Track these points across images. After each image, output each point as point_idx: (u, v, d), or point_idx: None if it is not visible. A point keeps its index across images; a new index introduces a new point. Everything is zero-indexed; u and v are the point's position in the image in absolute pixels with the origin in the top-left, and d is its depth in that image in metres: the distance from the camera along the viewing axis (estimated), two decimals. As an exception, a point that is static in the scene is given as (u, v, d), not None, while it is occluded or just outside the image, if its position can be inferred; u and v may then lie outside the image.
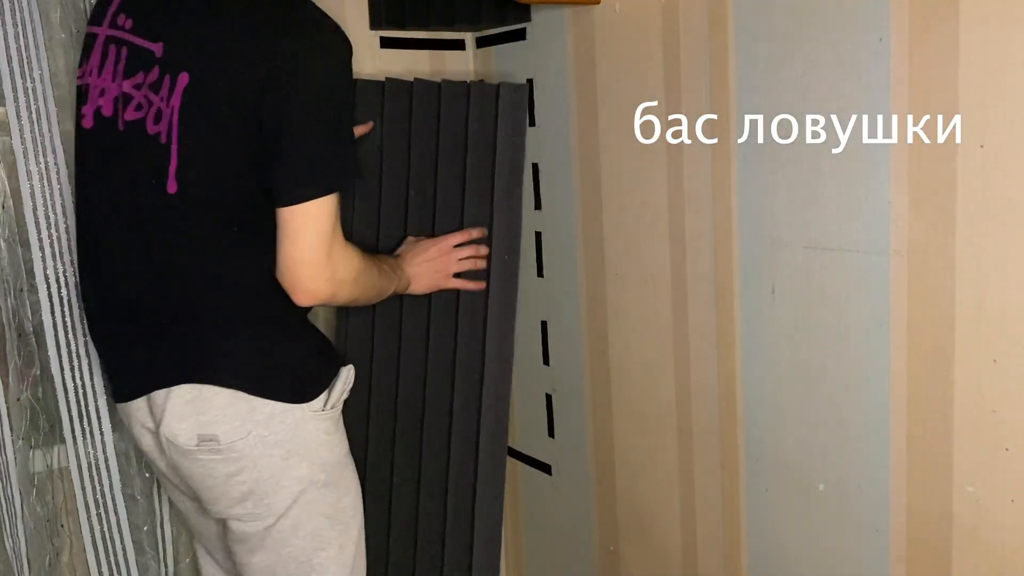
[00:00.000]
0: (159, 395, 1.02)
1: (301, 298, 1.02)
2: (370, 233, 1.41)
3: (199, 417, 1.00)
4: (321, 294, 1.01)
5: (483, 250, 1.28)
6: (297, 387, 1.03)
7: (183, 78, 0.96)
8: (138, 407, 1.07)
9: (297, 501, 1.05)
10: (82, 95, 1.06)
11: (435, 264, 1.26)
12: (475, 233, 1.28)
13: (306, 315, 1.10)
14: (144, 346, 1.05)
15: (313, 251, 0.99)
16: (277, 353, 1.04)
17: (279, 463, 1.03)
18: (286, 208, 0.98)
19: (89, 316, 1.14)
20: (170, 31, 0.99)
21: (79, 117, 1.06)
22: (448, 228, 1.33)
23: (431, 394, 1.36)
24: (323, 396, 1.06)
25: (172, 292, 1.02)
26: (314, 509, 1.07)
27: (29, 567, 1.30)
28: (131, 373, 1.07)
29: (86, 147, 1.08)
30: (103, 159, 1.04)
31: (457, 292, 1.31)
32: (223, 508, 1.06)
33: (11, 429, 1.27)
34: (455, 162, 1.33)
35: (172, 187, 0.96)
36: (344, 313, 1.45)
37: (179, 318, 1.02)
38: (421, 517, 1.38)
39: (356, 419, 1.40)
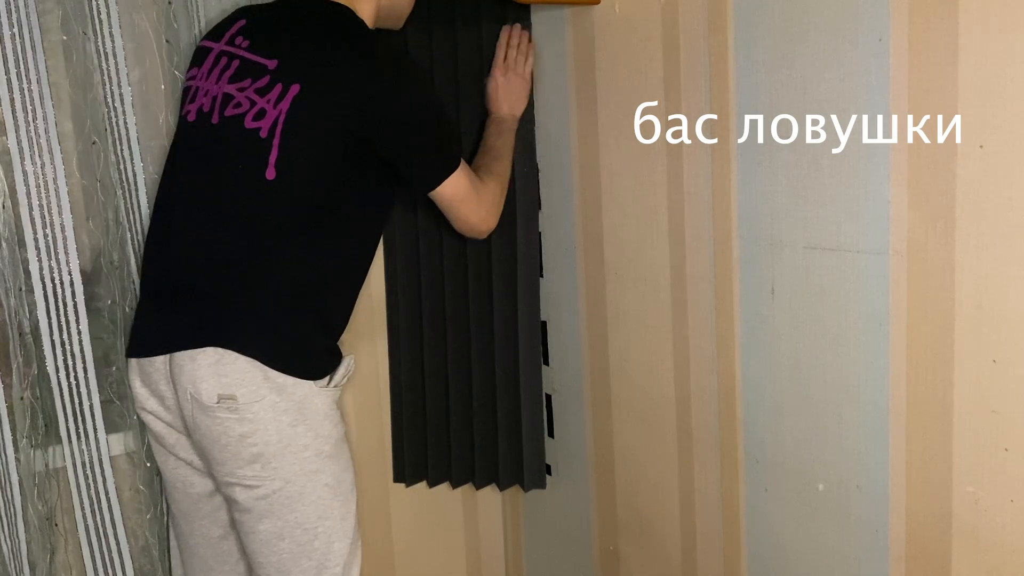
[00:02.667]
0: (183, 355, 1.11)
1: (485, 235, 1.31)
2: None
3: (220, 379, 1.09)
4: (493, 227, 1.30)
5: (523, 36, 1.43)
6: (306, 366, 1.14)
7: (295, 88, 1.11)
8: (157, 367, 1.15)
9: (303, 468, 1.13)
10: (188, 95, 1.21)
11: (513, 82, 1.42)
12: (509, 37, 1.43)
13: (340, 314, 1.22)
14: (180, 310, 1.15)
15: (470, 216, 1.26)
16: (297, 338, 1.14)
17: (287, 430, 1.11)
18: (429, 192, 1.21)
19: (143, 289, 1.24)
20: (285, 51, 1.14)
21: (184, 113, 1.20)
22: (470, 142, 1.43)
23: (472, 300, 1.52)
24: (327, 378, 1.16)
25: (232, 269, 1.13)
26: (318, 478, 1.14)
27: (30, 567, 1.30)
28: (159, 332, 1.16)
29: (183, 139, 1.20)
30: (195, 148, 1.18)
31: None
32: (232, 469, 1.12)
33: (12, 428, 1.27)
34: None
35: (271, 174, 1.10)
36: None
37: (226, 292, 1.13)
38: (475, 393, 1.54)
39: (409, 330, 1.57)
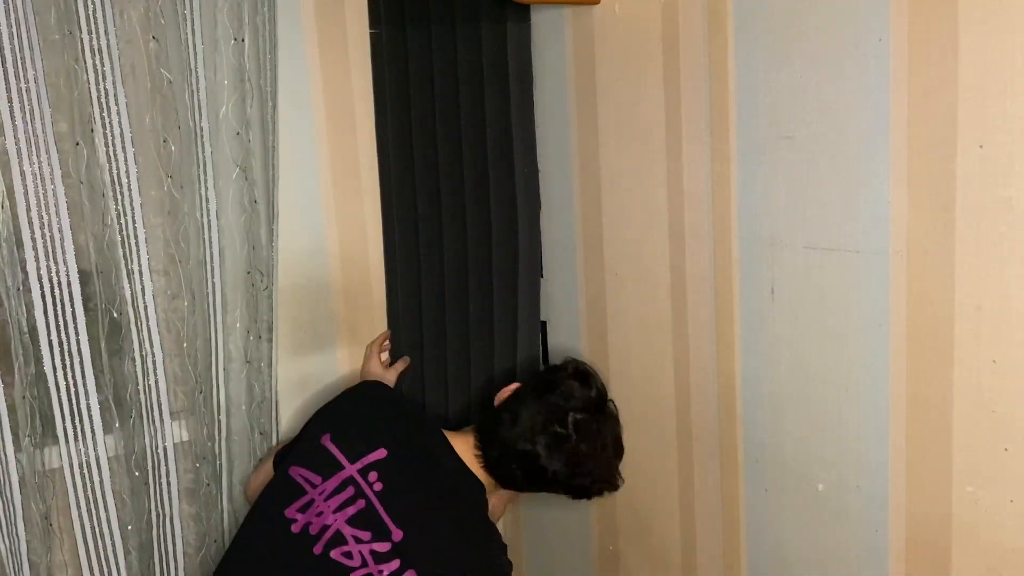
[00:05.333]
0: None
1: None
2: (406, 151, 1.54)
3: None
4: None
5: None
6: None
7: (411, 574, 1.11)
8: None
9: None
10: (297, 496, 1.16)
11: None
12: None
13: None
14: None
15: None
16: None
17: None
18: None
19: None
20: (415, 525, 1.14)
21: (286, 516, 1.15)
22: (473, 137, 1.46)
23: (473, 301, 1.52)
24: None
25: None
26: None
27: (30, 567, 1.30)
28: None
29: (276, 539, 1.16)
30: (287, 563, 1.14)
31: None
32: None
33: (12, 428, 1.27)
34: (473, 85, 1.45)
35: None
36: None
37: None
38: (475, 394, 1.54)
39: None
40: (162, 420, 1.40)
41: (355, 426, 1.24)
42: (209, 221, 1.39)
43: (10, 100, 1.22)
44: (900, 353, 0.99)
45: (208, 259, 1.39)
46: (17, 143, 1.23)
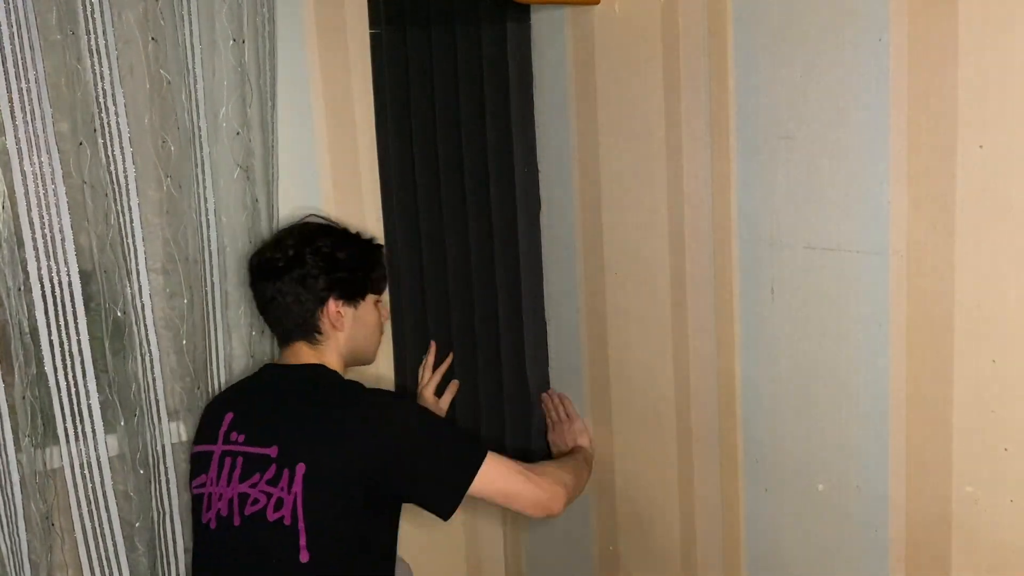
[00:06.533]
0: None
1: (559, 512, 1.28)
2: (406, 151, 1.55)
3: None
4: (562, 503, 1.28)
5: (565, 400, 1.52)
6: None
7: (301, 467, 1.16)
8: None
9: None
10: (203, 503, 1.25)
11: (572, 430, 1.49)
12: (556, 400, 1.52)
13: None
14: None
15: (531, 496, 1.24)
16: None
17: None
18: (469, 492, 1.21)
19: None
20: (281, 436, 1.20)
21: (203, 523, 1.25)
22: (473, 135, 1.47)
23: (477, 301, 1.52)
24: None
25: None
26: None
27: (31, 566, 1.30)
28: None
29: (206, 547, 1.26)
30: (223, 554, 1.23)
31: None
32: None
33: (13, 427, 1.27)
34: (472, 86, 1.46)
35: (304, 557, 1.15)
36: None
37: None
38: (481, 393, 1.55)
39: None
40: (160, 418, 1.40)
41: (205, 421, 1.32)
42: (208, 220, 1.39)
43: (11, 100, 1.22)
44: (900, 353, 0.99)
45: (207, 258, 1.40)
46: (18, 143, 1.23)
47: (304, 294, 1.27)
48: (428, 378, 1.58)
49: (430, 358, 1.60)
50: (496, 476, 1.21)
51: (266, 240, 1.37)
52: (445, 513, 1.20)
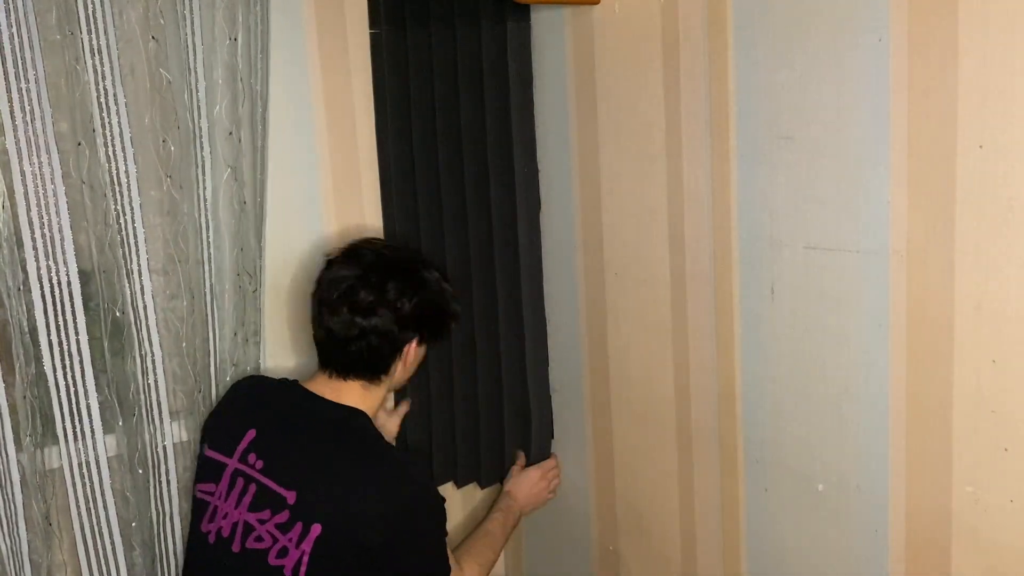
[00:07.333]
0: None
1: None
2: (406, 151, 1.54)
3: None
4: None
5: (558, 468, 1.53)
6: None
7: (316, 528, 1.14)
8: None
9: None
10: (206, 511, 1.22)
11: (540, 485, 1.51)
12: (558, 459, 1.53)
13: None
14: None
15: None
16: None
17: None
18: None
19: None
20: (303, 481, 1.16)
21: (202, 532, 1.22)
22: (474, 138, 1.46)
23: (476, 301, 1.51)
24: None
25: None
26: None
27: (31, 566, 1.30)
28: None
29: (201, 557, 1.24)
30: (217, 571, 1.21)
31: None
32: None
33: (14, 427, 1.27)
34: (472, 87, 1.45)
35: None
36: None
37: None
38: (481, 393, 1.54)
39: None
40: (161, 419, 1.40)
41: (223, 424, 1.28)
42: (207, 221, 1.39)
43: (11, 100, 1.22)
44: (900, 353, 0.99)
45: (206, 259, 1.39)
46: (17, 143, 1.23)
47: (394, 338, 1.21)
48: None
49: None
50: None
51: (340, 264, 1.24)
52: None
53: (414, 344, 1.25)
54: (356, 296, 1.19)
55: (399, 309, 1.20)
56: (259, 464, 1.20)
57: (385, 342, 1.21)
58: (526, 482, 1.50)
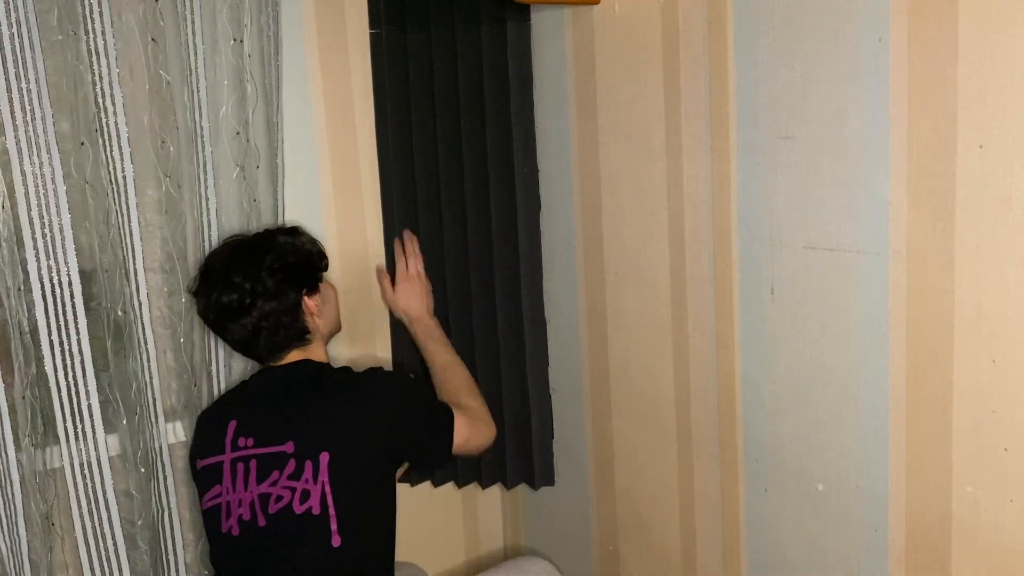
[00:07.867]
0: None
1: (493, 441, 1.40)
2: (406, 151, 1.55)
3: None
4: (495, 431, 1.40)
5: (412, 241, 1.54)
6: None
7: (324, 456, 1.19)
8: None
9: None
10: (219, 513, 1.25)
11: (416, 287, 1.52)
12: (405, 243, 1.54)
13: None
14: None
15: (482, 439, 1.36)
16: None
17: None
18: (453, 450, 1.32)
19: None
20: (294, 431, 1.22)
21: (223, 533, 1.24)
22: (474, 137, 1.47)
23: (475, 301, 1.54)
24: None
25: None
26: None
27: (31, 566, 1.30)
28: None
29: (231, 552, 1.25)
30: (250, 556, 1.23)
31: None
32: None
33: (13, 427, 1.27)
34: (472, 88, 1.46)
35: (336, 541, 1.18)
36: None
37: None
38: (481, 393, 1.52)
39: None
40: (160, 417, 1.40)
41: (206, 434, 1.31)
42: (209, 220, 1.39)
43: (11, 100, 1.22)
44: (900, 353, 0.99)
45: (207, 258, 1.40)
46: (18, 143, 1.23)
47: (283, 309, 1.27)
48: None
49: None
50: (461, 427, 1.31)
51: (198, 284, 1.30)
52: (442, 466, 1.29)
53: (305, 299, 1.30)
54: (227, 306, 1.26)
55: (265, 289, 1.26)
56: (250, 442, 1.24)
57: (279, 317, 1.27)
58: (408, 295, 1.51)
